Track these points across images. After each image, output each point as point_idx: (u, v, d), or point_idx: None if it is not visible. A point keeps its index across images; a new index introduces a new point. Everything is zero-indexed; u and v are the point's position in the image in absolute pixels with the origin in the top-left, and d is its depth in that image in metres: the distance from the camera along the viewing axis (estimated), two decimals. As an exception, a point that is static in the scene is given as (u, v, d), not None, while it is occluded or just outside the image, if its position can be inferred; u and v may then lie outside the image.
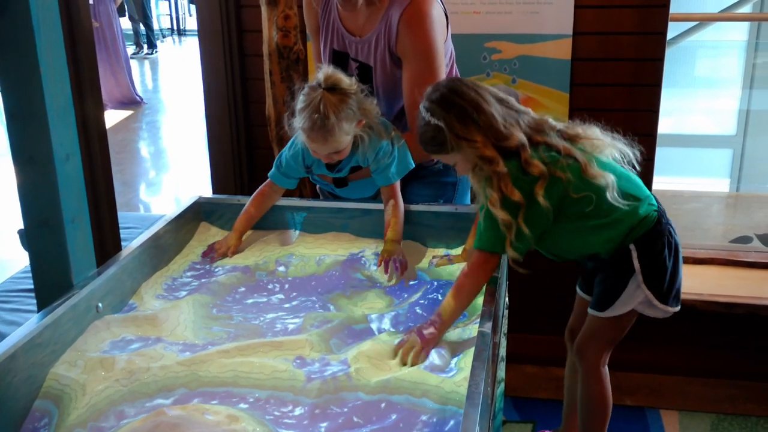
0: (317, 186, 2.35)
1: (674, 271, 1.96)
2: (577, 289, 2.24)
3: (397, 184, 2.11)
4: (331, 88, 1.92)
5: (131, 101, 8.03)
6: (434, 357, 1.60)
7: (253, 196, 2.19)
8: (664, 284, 1.95)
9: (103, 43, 7.67)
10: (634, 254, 1.90)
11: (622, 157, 1.87)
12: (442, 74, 2.10)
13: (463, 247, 2.05)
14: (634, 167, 1.89)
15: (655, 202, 1.94)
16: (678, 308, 2.01)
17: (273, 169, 2.19)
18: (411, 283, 1.98)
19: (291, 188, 2.21)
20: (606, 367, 2.14)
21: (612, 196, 1.79)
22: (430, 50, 2.06)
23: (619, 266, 1.94)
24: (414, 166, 2.14)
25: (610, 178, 1.78)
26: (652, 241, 1.90)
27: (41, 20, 1.52)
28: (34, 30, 1.50)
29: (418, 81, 2.02)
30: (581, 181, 1.77)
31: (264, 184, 2.20)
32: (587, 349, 2.12)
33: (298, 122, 1.95)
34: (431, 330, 1.64)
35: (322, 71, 1.95)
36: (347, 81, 1.95)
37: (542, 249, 1.97)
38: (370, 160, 2.07)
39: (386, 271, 1.97)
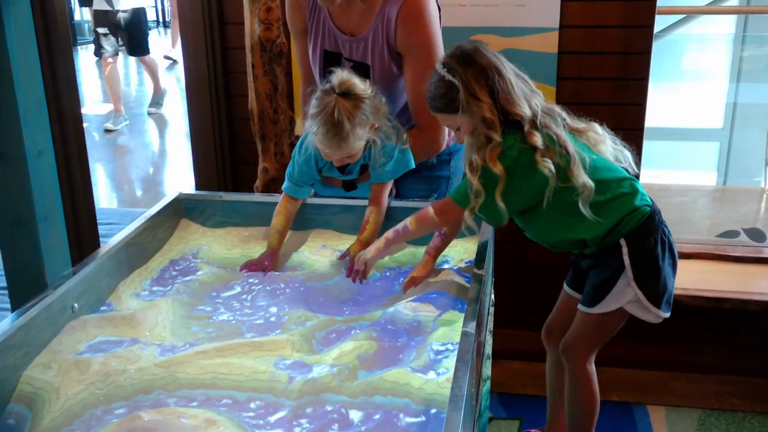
0: (312, 192, 2.28)
1: (668, 273, 1.94)
2: (565, 286, 2.22)
3: (387, 185, 2.08)
4: (346, 93, 1.88)
5: None
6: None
7: (275, 213, 2.10)
8: (656, 285, 1.92)
9: None
10: (625, 250, 1.89)
11: (618, 162, 1.89)
12: None
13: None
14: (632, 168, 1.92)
15: (649, 201, 1.92)
16: (668, 314, 1.98)
17: (285, 181, 2.13)
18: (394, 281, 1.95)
19: (306, 197, 2.16)
20: (593, 365, 2.12)
21: (582, 203, 1.79)
22: (431, 44, 2.05)
23: (609, 262, 1.92)
24: (414, 166, 2.11)
25: (589, 186, 1.77)
26: (643, 237, 1.88)
27: (12, 14, 1.48)
28: (5, 24, 1.46)
29: (420, 76, 2.00)
30: (566, 174, 1.77)
31: (281, 199, 2.13)
32: (574, 348, 2.10)
33: (311, 127, 1.90)
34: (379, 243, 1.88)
35: (336, 75, 1.90)
36: (361, 86, 1.91)
37: (532, 235, 1.97)
38: (375, 159, 2.04)
39: (348, 275, 1.95)
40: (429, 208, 1.88)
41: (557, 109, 1.86)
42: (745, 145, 4.34)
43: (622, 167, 1.90)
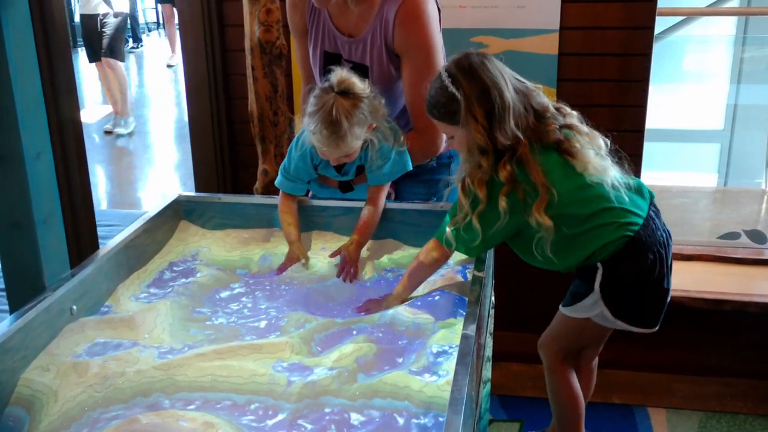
0: (309, 192, 2.26)
1: (648, 295, 1.94)
2: None
3: (385, 187, 2.08)
4: (344, 92, 1.87)
5: None
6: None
7: (282, 221, 2.10)
8: (626, 307, 1.93)
9: None
10: (599, 273, 1.88)
11: (611, 182, 1.83)
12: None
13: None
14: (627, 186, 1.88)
15: (634, 227, 1.85)
16: (646, 329, 1.98)
17: (279, 176, 2.12)
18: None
19: (301, 194, 2.14)
20: (569, 363, 2.14)
21: (537, 245, 1.79)
22: (429, 46, 2.04)
23: (585, 279, 1.94)
24: (411, 168, 2.10)
25: (545, 226, 1.75)
26: (620, 264, 1.87)
27: (10, 16, 1.47)
28: (3, 26, 1.45)
29: (418, 77, 1.99)
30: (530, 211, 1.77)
31: (280, 202, 2.12)
32: (547, 344, 2.14)
33: (309, 125, 1.89)
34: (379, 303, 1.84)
35: (335, 74, 1.89)
36: (360, 85, 1.90)
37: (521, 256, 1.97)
38: (372, 161, 2.04)
39: (338, 275, 1.96)
40: (423, 252, 1.87)
41: (552, 132, 1.79)
42: (745, 147, 4.33)
43: (615, 187, 1.83)
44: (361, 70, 2.08)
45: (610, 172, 1.83)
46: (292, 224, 2.09)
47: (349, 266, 1.97)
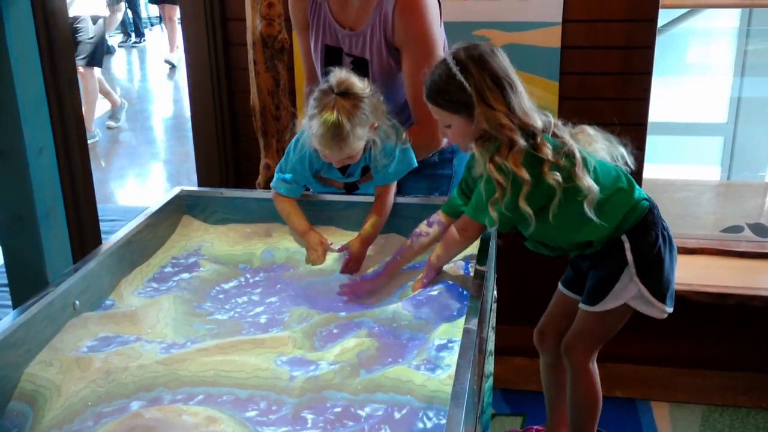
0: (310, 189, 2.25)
1: (670, 267, 1.94)
2: (560, 287, 2.20)
3: (392, 187, 2.07)
4: (345, 92, 1.85)
5: None
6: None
7: (280, 210, 2.10)
8: (659, 279, 1.92)
9: None
10: (627, 245, 1.88)
11: (614, 159, 1.86)
12: None
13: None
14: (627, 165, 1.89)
15: (645, 194, 1.92)
16: (672, 309, 1.97)
17: (275, 179, 2.10)
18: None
19: (296, 197, 2.11)
20: (595, 364, 2.11)
21: (587, 206, 1.77)
22: (428, 38, 2.03)
23: (611, 259, 1.91)
24: (416, 165, 2.08)
25: (594, 190, 1.76)
26: (644, 232, 1.88)
27: (11, 11, 1.47)
28: (4, 22, 1.45)
29: (419, 70, 1.98)
30: (571, 176, 1.76)
31: (278, 202, 2.10)
32: (576, 347, 2.08)
33: (310, 128, 1.87)
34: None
35: (334, 75, 1.87)
36: (360, 85, 1.88)
37: (535, 238, 1.95)
38: (376, 160, 2.02)
39: (342, 270, 1.97)
40: (452, 229, 1.85)
41: (557, 123, 1.84)
42: (749, 140, 4.32)
43: (617, 165, 1.88)
44: (362, 64, 2.08)
45: (611, 149, 1.86)
46: (294, 214, 2.06)
47: (351, 262, 1.96)
